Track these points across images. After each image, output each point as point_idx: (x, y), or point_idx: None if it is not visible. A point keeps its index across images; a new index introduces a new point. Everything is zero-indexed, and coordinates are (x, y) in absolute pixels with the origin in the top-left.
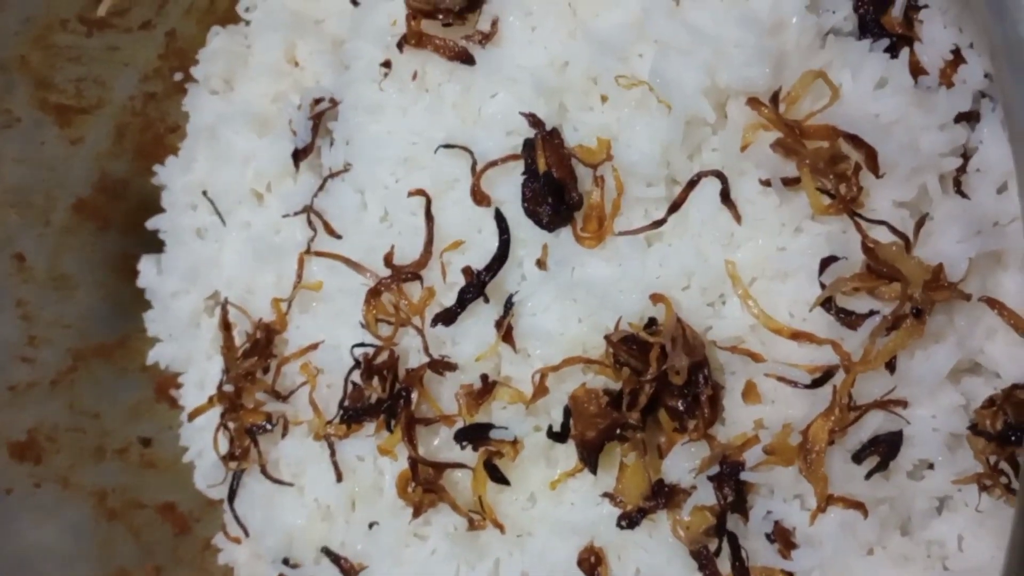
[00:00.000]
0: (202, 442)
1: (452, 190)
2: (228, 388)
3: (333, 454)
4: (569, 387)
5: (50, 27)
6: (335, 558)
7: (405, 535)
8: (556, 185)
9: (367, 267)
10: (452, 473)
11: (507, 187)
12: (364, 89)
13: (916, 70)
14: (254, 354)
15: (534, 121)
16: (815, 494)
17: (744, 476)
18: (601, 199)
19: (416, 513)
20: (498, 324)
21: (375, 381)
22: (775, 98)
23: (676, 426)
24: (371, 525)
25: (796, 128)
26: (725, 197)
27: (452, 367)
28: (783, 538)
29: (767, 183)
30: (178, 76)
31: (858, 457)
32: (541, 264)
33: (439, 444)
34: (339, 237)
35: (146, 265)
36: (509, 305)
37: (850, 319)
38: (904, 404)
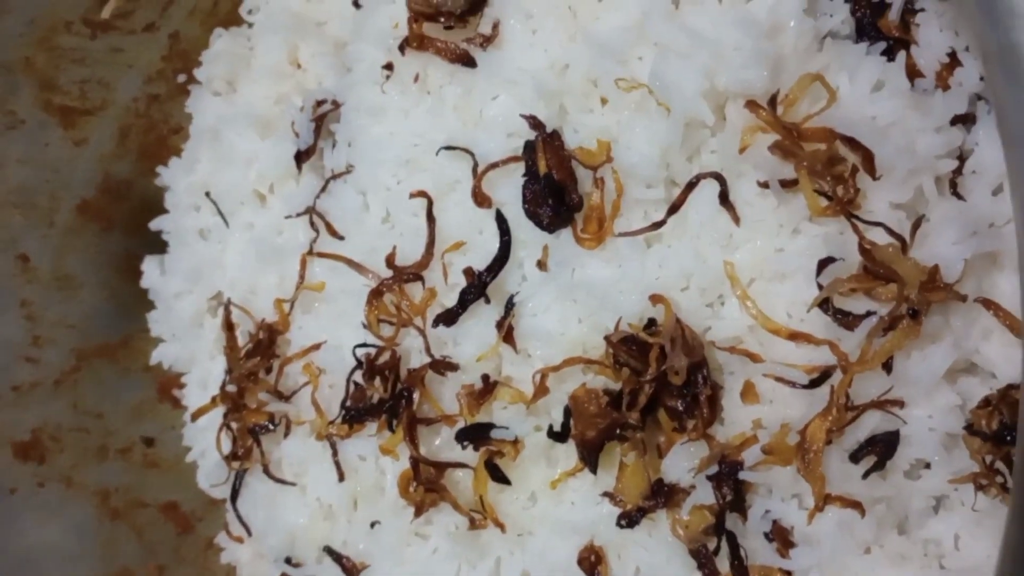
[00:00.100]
0: (205, 442)
1: (453, 191)
2: (231, 388)
3: (335, 454)
4: (569, 387)
5: (54, 29)
6: (337, 557)
7: (407, 534)
8: (556, 187)
9: (369, 268)
10: (453, 473)
11: (508, 189)
12: (366, 91)
13: (912, 73)
14: (257, 354)
15: (535, 123)
16: (813, 493)
17: (743, 475)
18: (601, 201)
19: (418, 512)
20: (499, 325)
21: (377, 381)
22: (773, 101)
23: (675, 426)
24: (373, 524)
25: (794, 130)
26: (724, 199)
27: (453, 367)
28: (781, 537)
29: (765, 185)
30: (181, 78)
31: (855, 457)
32: (542, 265)
33: (440, 444)
34: (341, 238)
35: (149, 266)
36: (510, 306)
37: (847, 320)
38: (901, 404)
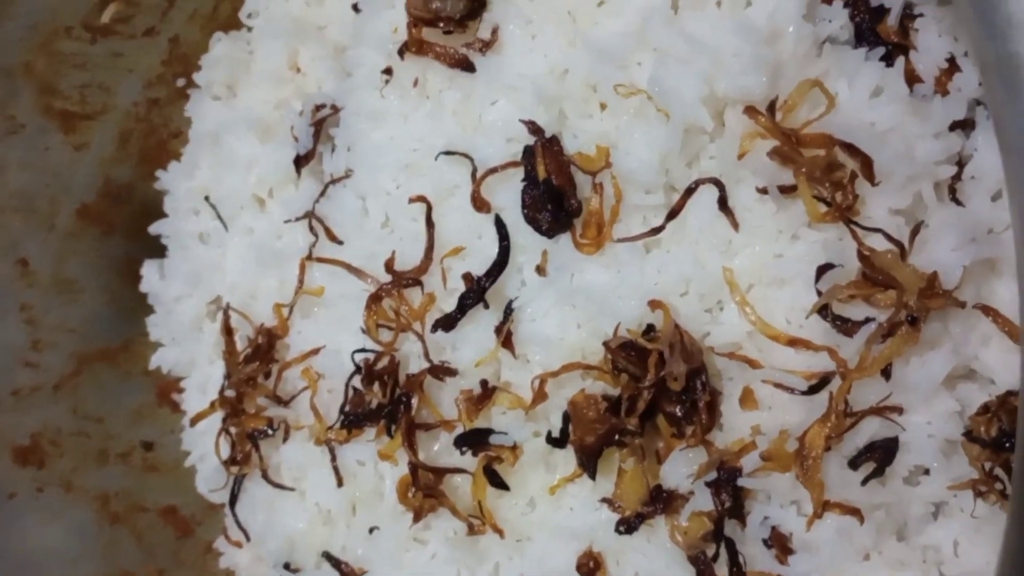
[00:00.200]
0: (204, 446)
1: (452, 196)
2: (230, 393)
3: (334, 459)
4: (568, 393)
5: (55, 34)
6: (336, 562)
7: (405, 540)
8: (555, 192)
9: (368, 273)
10: (452, 478)
11: (507, 194)
12: (365, 96)
13: (911, 78)
14: (256, 359)
15: (534, 128)
16: (812, 500)
17: (741, 482)
18: (600, 206)
19: (416, 518)
20: (498, 330)
21: (376, 386)
22: (772, 107)
23: (674, 432)
24: (372, 530)
25: (793, 136)
26: (723, 204)
27: (452, 372)
28: (780, 544)
29: (764, 191)
30: (181, 82)
31: (854, 463)
32: (541, 270)
33: (439, 449)
34: (340, 243)
35: (149, 270)
36: (509, 311)
37: (846, 326)
38: (900, 410)
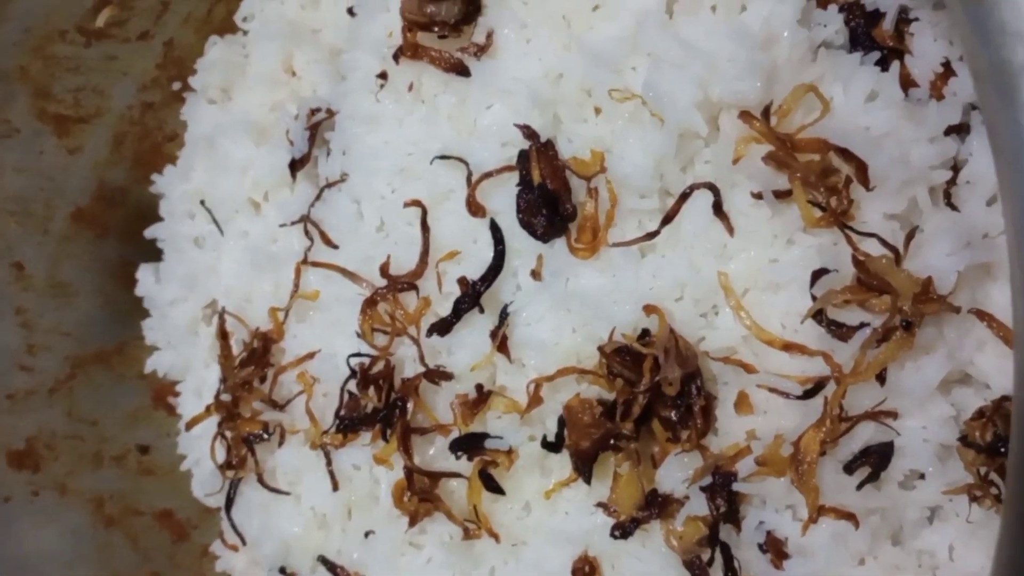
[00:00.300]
0: (199, 450)
1: (448, 201)
2: (225, 397)
3: (329, 463)
4: (563, 397)
5: (49, 38)
6: (331, 567)
7: (401, 544)
8: (550, 196)
9: (363, 277)
10: (447, 482)
11: (502, 198)
12: (361, 100)
13: (907, 83)
14: (251, 363)
15: (529, 133)
16: (807, 504)
17: (737, 486)
18: (595, 210)
19: (412, 522)
20: (493, 334)
21: (371, 391)
22: (767, 111)
23: (669, 436)
24: (367, 534)
25: (787, 141)
26: (717, 209)
27: (447, 377)
28: (775, 548)
29: (759, 195)
30: (176, 85)
31: (849, 468)
32: (536, 275)
33: (435, 453)
34: (336, 247)
35: (144, 273)
36: (504, 315)
37: (841, 331)
38: (895, 415)
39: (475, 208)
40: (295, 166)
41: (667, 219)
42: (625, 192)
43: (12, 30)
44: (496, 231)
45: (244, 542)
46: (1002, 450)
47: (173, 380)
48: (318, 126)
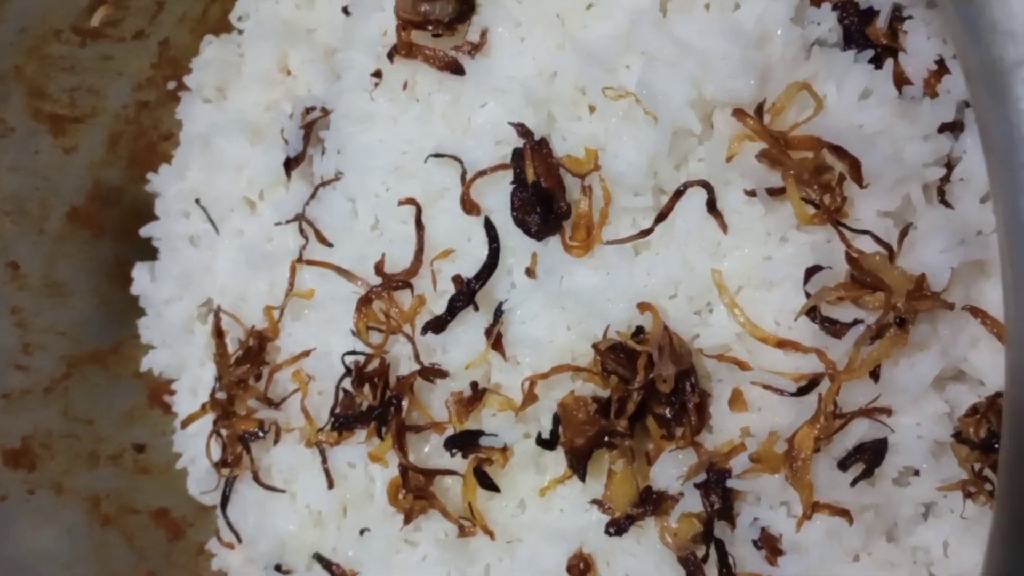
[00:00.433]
0: (195, 448)
1: (442, 199)
2: (221, 395)
3: (324, 461)
4: (558, 394)
5: (44, 38)
6: (327, 564)
7: (396, 541)
8: (544, 194)
9: (358, 275)
10: (442, 480)
11: (496, 196)
12: (355, 98)
13: (900, 81)
14: (246, 361)
15: (523, 131)
16: (801, 501)
17: (731, 483)
18: (589, 208)
19: (407, 519)
20: (488, 332)
21: (366, 388)
22: (760, 109)
23: (664, 433)
24: (362, 531)
25: (781, 139)
26: (711, 207)
27: (442, 374)
28: (770, 545)
29: (752, 193)
30: (171, 85)
31: (843, 464)
32: (530, 273)
33: (429, 451)
34: (330, 245)
35: (140, 272)
36: (499, 313)
37: (835, 328)
38: (889, 412)
39: (469, 206)
40: (290, 165)
41: (661, 217)
42: (619, 190)
43: (7, 30)
44: (490, 229)
45: (240, 540)
46: (996, 446)
47: (169, 379)
48: (313, 125)
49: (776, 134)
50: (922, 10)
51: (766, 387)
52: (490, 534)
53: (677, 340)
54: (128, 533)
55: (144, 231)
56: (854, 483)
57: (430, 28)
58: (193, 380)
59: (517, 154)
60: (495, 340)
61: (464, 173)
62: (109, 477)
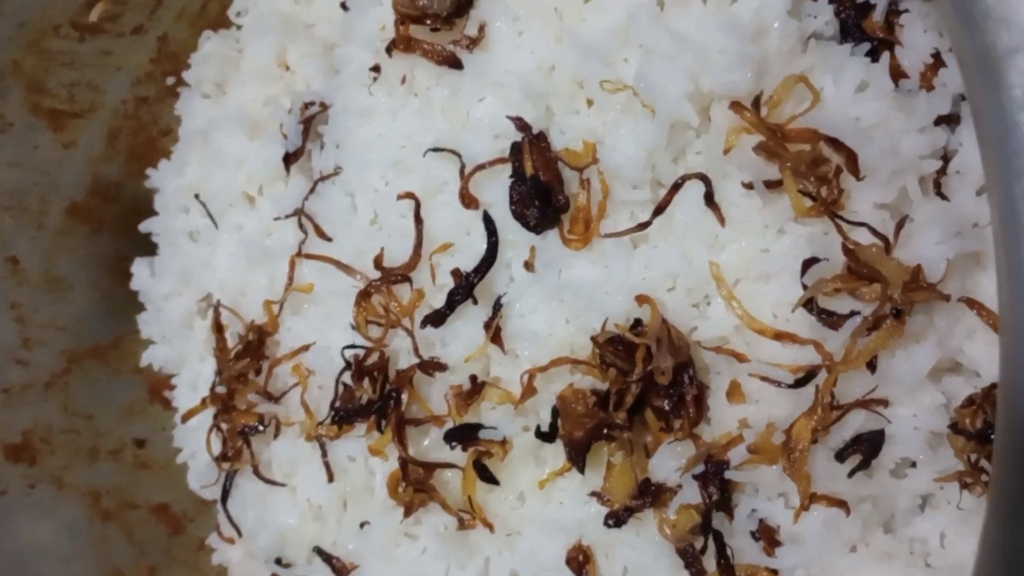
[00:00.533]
0: (195, 443)
1: (441, 193)
2: (221, 390)
3: (324, 455)
4: (557, 387)
5: (43, 33)
6: (327, 557)
7: (396, 534)
8: (543, 188)
9: (357, 269)
10: (442, 473)
11: (495, 190)
12: (354, 93)
13: (897, 74)
14: (246, 356)
15: (521, 125)
16: (799, 492)
17: (729, 475)
18: (587, 202)
19: (407, 513)
20: (487, 325)
21: (366, 382)
22: (757, 102)
23: (662, 426)
24: (362, 525)
25: (778, 131)
26: (709, 199)
27: (442, 368)
28: (767, 536)
29: (750, 186)
30: (170, 80)
31: (841, 456)
32: (529, 266)
33: (429, 444)
34: (330, 240)
35: (139, 267)
36: (497, 307)
37: (832, 320)
38: (885, 403)
39: (468, 200)
40: (289, 160)
41: (659, 210)
42: (617, 183)
43: (6, 25)
44: (489, 223)
45: (240, 534)
46: (992, 437)
47: (169, 374)
48: (312, 120)
49: (773, 127)
50: (918, 3)
51: (764, 379)
52: (490, 527)
53: (675, 332)
54: (128, 528)
55: (143, 226)
56: (851, 474)
57: (428, 23)
58: (193, 375)
59: (515, 148)
60: (494, 333)
61: (463, 167)
62: (109, 472)
